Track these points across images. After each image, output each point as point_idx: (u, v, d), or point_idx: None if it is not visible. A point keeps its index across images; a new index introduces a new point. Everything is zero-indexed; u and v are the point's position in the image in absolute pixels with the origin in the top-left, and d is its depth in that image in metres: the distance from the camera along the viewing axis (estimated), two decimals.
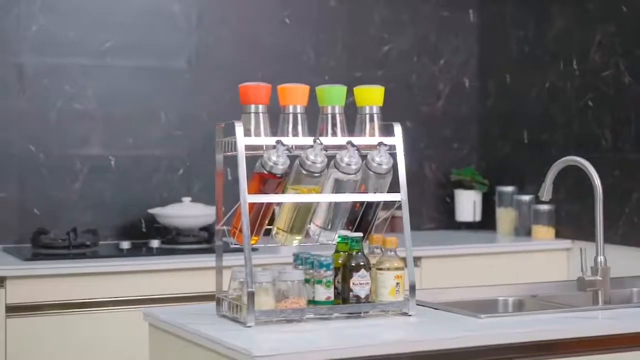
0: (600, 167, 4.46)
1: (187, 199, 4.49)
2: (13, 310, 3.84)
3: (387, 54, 5.13)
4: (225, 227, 2.76)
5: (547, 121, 4.88)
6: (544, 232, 4.79)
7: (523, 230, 4.90)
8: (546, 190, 3.10)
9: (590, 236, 3.87)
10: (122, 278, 3.99)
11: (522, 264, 4.62)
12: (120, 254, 4.20)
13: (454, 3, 5.25)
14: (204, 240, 4.36)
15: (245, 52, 4.84)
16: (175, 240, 4.34)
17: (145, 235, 4.52)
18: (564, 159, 3.09)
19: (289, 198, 2.69)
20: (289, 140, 2.68)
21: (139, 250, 4.26)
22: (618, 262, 3.43)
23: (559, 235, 4.78)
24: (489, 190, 5.13)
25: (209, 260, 3.60)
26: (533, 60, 4.96)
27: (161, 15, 4.68)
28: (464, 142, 5.29)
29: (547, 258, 4.68)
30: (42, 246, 4.21)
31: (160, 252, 4.24)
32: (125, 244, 4.28)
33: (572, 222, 4.73)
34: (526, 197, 4.90)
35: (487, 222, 5.13)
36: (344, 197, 2.73)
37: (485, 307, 3.09)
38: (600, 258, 2.95)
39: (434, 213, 5.25)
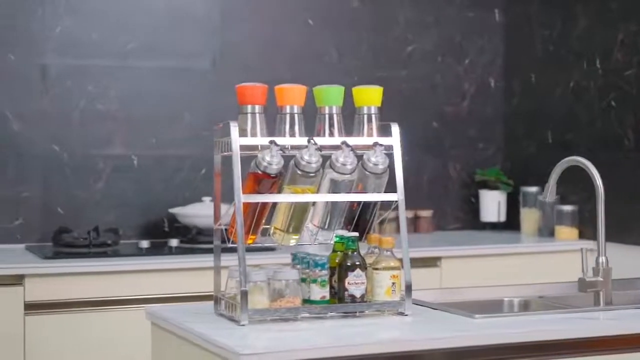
0: (622, 167, 4.46)
1: (207, 199, 4.52)
2: (31, 307, 3.90)
3: (411, 54, 5.13)
4: (222, 227, 2.78)
5: (571, 121, 4.85)
6: (567, 233, 4.76)
7: (546, 231, 4.88)
8: (549, 191, 3.08)
9: (613, 237, 3.87)
10: (140, 277, 4.03)
11: (543, 265, 4.59)
12: (139, 252, 4.24)
13: (479, 3, 5.24)
14: (223, 239, 4.37)
15: (268, 52, 4.86)
16: (194, 240, 4.37)
17: (167, 235, 4.57)
18: (566, 159, 3.08)
19: (283, 198, 2.71)
20: (284, 141, 2.70)
21: (158, 249, 4.30)
22: None
23: (582, 235, 4.76)
24: (513, 191, 5.11)
25: (227, 259, 3.62)
26: (557, 60, 4.94)
27: (184, 16, 4.72)
28: (489, 142, 5.27)
29: (570, 259, 4.62)
30: (63, 245, 4.27)
31: (179, 251, 4.27)
32: (145, 243, 4.32)
33: (595, 223, 4.68)
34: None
35: (512, 223, 5.11)
36: (339, 197, 2.74)
37: (489, 307, 3.09)
38: (602, 259, 2.94)
39: (459, 213, 5.25)
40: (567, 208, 4.75)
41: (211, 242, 4.31)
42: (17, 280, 3.89)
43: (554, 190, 3.09)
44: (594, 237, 4.56)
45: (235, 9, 4.82)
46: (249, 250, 3.28)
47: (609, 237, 4.36)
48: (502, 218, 5.13)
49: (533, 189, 4.95)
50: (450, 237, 4.94)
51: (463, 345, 2.55)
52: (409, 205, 5.00)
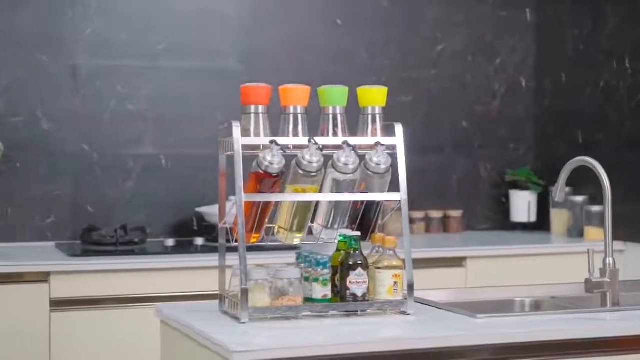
0: None
1: (234, 198, 4.55)
2: (57, 304, 3.97)
3: (441, 54, 5.13)
4: (227, 225, 2.82)
5: (601, 121, 4.82)
6: (596, 234, 4.72)
7: (576, 232, 4.86)
8: (559, 190, 3.08)
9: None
10: (164, 275, 4.08)
11: (570, 265, 4.52)
12: (165, 251, 4.29)
13: (511, 2, 5.23)
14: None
15: (297, 53, 4.90)
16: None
17: (195, 234, 4.61)
18: (575, 159, 3.07)
19: (284, 197, 2.74)
20: (285, 140, 2.72)
21: (184, 248, 4.35)
22: None
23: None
24: (544, 191, 5.09)
25: (250, 258, 3.65)
26: (588, 59, 4.91)
27: (214, 17, 4.77)
28: (520, 142, 5.26)
29: (597, 260, 4.60)
30: (91, 243, 4.34)
31: (205, 249, 4.32)
32: (170, 242, 4.38)
33: (624, 224, 4.64)
34: (579, 198, 4.85)
35: (542, 223, 5.09)
36: (340, 196, 2.76)
37: (498, 307, 3.09)
38: (609, 260, 2.93)
39: (489, 213, 5.24)
40: (596, 209, 4.72)
41: (235, 241, 4.40)
42: (43, 277, 3.96)
43: (563, 190, 3.09)
44: (623, 238, 4.56)
45: (265, 9, 4.86)
46: (256, 249, 3.33)
47: (635, 238, 4.36)
48: (533, 218, 5.11)
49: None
50: (479, 237, 4.93)
51: (461, 345, 2.56)
52: (438, 205, 5.08)
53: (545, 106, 5.23)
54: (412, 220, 5.01)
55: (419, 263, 4.36)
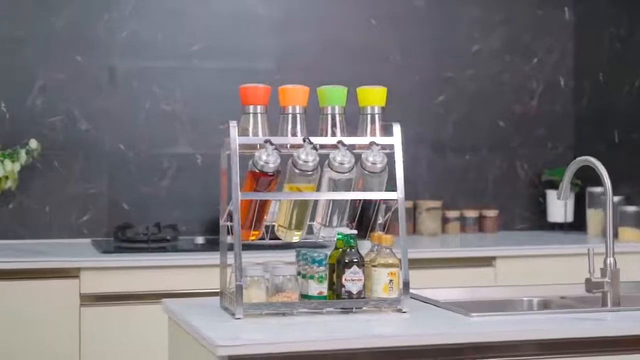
0: None
1: None
2: (87, 299, 4.06)
3: (477, 54, 5.13)
4: (228, 223, 2.87)
5: (638, 120, 4.78)
6: (630, 234, 4.69)
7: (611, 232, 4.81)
8: (563, 190, 3.08)
9: None
10: (192, 271, 4.15)
11: (600, 266, 4.52)
12: (194, 248, 4.37)
13: (548, 2, 5.21)
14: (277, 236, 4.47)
15: (331, 53, 4.94)
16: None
17: (229, 232, 4.66)
18: (578, 159, 3.07)
19: (279, 196, 2.78)
20: (280, 140, 2.77)
21: (213, 245, 4.40)
22: None
23: None
24: (581, 191, 5.06)
25: (277, 255, 3.69)
26: (625, 59, 4.87)
27: (247, 18, 4.84)
28: (557, 141, 5.24)
29: (630, 260, 4.56)
30: (124, 240, 4.43)
31: (232, 247, 4.36)
32: (201, 239, 4.45)
33: None
34: (615, 198, 4.81)
35: (580, 224, 5.06)
36: (335, 195, 2.80)
37: (504, 306, 3.11)
38: (610, 260, 2.92)
39: (526, 213, 5.22)
40: (631, 209, 4.69)
41: (262, 239, 4.44)
42: (74, 273, 4.06)
43: (567, 190, 3.09)
44: None
45: (298, 9, 4.91)
46: (261, 247, 3.37)
47: None
48: (570, 218, 5.08)
49: (599, 190, 4.90)
50: (513, 237, 4.93)
51: (450, 342, 2.58)
52: (473, 204, 5.08)
53: (583, 105, 5.19)
54: (446, 220, 5.02)
55: (447, 262, 4.43)
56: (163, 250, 4.35)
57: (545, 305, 3.17)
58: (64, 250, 4.32)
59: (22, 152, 4.41)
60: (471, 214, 5.07)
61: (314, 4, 4.94)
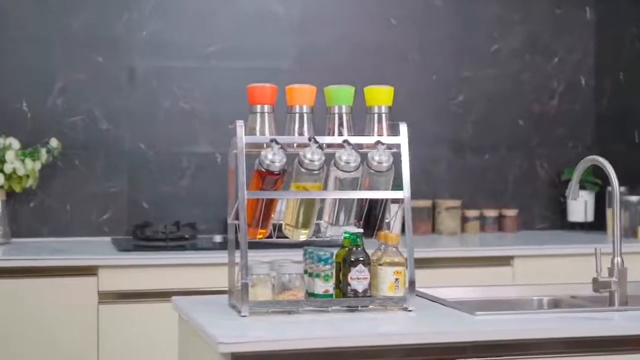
0: None
1: None
2: (105, 297, 4.11)
3: (497, 53, 5.13)
4: (236, 222, 2.89)
5: None
6: None
7: (631, 231, 4.80)
8: (572, 190, 3.08)
9: None
10: (208, 269, 4.17)
11: None
12: (212, 247, 4.39)
13: (569, 1, 5.19)
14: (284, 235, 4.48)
15: (350, 52, 4.95)
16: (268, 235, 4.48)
17: None
18: (587, 158, 3.08)
19: (285, 194, 2.81)
20: (285, 139, 2.79)
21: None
22: None
23: None
24: (601, 190, 5.04)
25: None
26: None
27: (266, 17, 4.86)
28: (578, 141, 5.22)
29: None
30: (143, 238, 4.47)
31: (250, 245, 4.36)
32: (218, 238, 4.48)
33: None
34: (634, 198, 4.80)
35: (600, 223, 5.04)
36: (339, 193, 2.81)
37: (513, 305, 3.11)
38: (617, 259, 2.92)
39: (547, 213, 5.22)
40: None
41: (281, 237, 4.47)
42: (92, 270, 4.10)
43: (576, 189, 3.09)
44: None
45: (318, 9, 4.93)
46: (269, 246, 3.39)
47: None
48: (590, 218, 5.07)
49: (619, 189, 4.86)
50: (533, 237, 4.92)
51: (452, 341, 2.59)
52: (493, 204, 5.07)
53: (603, 105, 5.18)
54: (466, 219, 5.03)
55: (465, 261, 4.43)
56: (181, 248, 4.38)
57: (555, 304, 3.17)
58: (83, 248, 4.37)
59: (43, 151, 4.46)
60: (491, 213, 5.07)
61: (333, 4, 4.96)
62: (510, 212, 5.08)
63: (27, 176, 4.41)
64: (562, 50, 5.20)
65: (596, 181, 5.06)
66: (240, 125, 2.78)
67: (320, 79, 4.82)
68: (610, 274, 2.91)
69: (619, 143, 5.04)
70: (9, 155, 4.35)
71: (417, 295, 3.01)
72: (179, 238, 4.47)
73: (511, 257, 4.49)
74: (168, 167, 4.77)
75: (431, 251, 4.43)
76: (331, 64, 4.89)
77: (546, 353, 2.64)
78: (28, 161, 4.39)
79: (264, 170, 2.77)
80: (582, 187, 5.07)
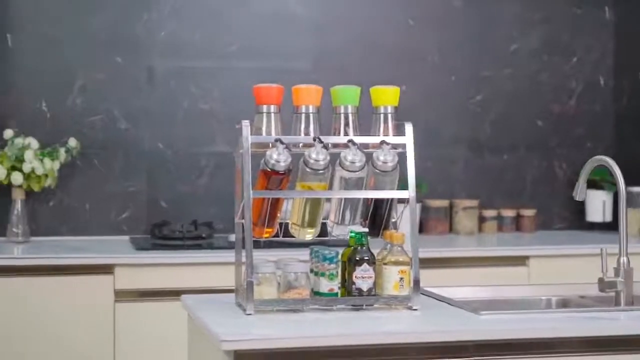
0: None
1: None
2: (121, 295, 4.15)
3: (516, 53, 5.12)
4: (242, 221, 2.92)
5: None
6: None
7: None
8: (579, 190, 3.09)
9: None
10: (223, 268, 4.18)
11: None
12: (228, 246, 4.42)
13: (588, 1, 5.18)
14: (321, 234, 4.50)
15: (368, 53, 4.96)
16: (285, 234, 4.50)
17: None
18: (594, 158, 3.09)
19: (290, 194, 2.83)
20: (291, 139, 2.82)
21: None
22: None
23: None
24: None
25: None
26: None
27: (285, 18, 4.89)
28: (597, 141, 5.21)
29: None
30: (160, 237, 4.50)
31: (266, 245, 4.38)
32: (234, 237, 4.49)
33: None
34: None
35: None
36: (344, 193, 2.83)
37: (520, 305, 3.12)
38: (623, 259, 2.92)
39: (564, 213, 5.21)
40: None
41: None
42: (108, 269, 4.14)
43: (584, 189, 3.09)
44: None
45: (336, 10, 4.95)
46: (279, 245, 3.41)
47: None
48: (608, 218, 5.05)
49: (636, 189, 4.86)
50: (550, 237, 4.92)
51: (455, 340, 2.61)
52: (511, 204, 5.07)
53: (622, 105, 5.17)
54: (483, 219, 5.03)
55: (480, 261, 4.44)
56: (198, 247, 4.41)
57: (563, 304, 3.17)
58: (101, 247, 4.41)
59: (62, 151, 4.50)
60: (508, 213, 5.07)
61: (352, 5, 4.97)
62: (528, 212, 5.08)
63: (46, 176, 4.46)
64: (581, 50, 5.19)
65: (614, 181, 5.04)
66: (246, 125, 2.81)
67: (337, 79, 4.84)
68: (617, 273, 2.91)
69: (638, 143, 5.02)
70: (28, 155, 4.40)
71: (424, 294, 3.04)
72: (196, 237, 4.50)
73: (526, 257, 4.49)
74: (186, 166, 4.80)
75: (445, 251, 4.46)
76: (348, 64, 4.91)
77: (549, 353, 2.65)
78: (47, 161, 4.44)
79: (269, 169, 2.80)
80: (600, 187, 5.06)
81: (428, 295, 3.06)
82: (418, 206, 4.89)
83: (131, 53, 4.74)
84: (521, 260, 4.49)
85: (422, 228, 4.95)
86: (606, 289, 2.90)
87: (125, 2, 4.73)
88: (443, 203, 4.97)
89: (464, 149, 5.08)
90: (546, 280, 4.26)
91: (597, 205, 5.05)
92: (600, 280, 2.92)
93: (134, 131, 4.75)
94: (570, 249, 4.54)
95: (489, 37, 5.10)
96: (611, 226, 5.05)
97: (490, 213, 5.03)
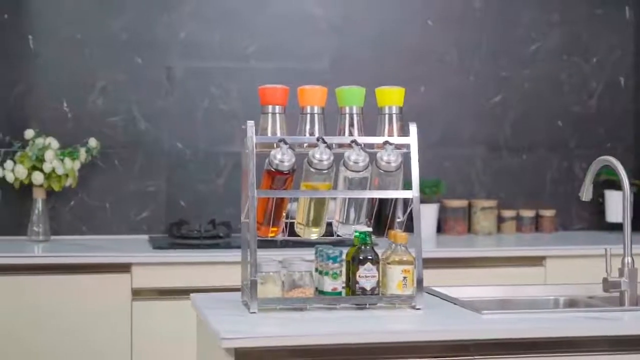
0: None
1: None
2: (138, 294, 4.20)
3: (535, 53, 5.12)
4: (248, 220, 2.95)
5: None
6: None
7: None
8: (585, 190, 3.09)
9: None
10: (239, 268, 4.22)
11: None
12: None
13: (608, 1, 5.17)
14: (329, 233, 4.53)
15: (387, 54, 4.98)
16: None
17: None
18: (599, 158, 3.10)
19: (293, 193, 2.86)
20: (295, 139, 2.85)
21: (265, 243, 4.45)
22: None
23: None
24: None
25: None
26: None
27: (303, 19, 4.91)
28: (617, 141, 5.19)
29: None
30: (178, 236, 4.54)
31: (284, 244, 4.43)
32: None
33: None
34: None
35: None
36: (348, 193, 2.86)
37: (527, 304, 3.13)
38: (627, 259, 2.93)
39: (584, 213, 5.19)
40: None
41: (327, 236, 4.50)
42: (125, 268, 4.19)
43: (590, 190, 3.09)
44: None
45: (355, 10, 4.97)
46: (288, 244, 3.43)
47: None
48: None
49: None
50: (569, 237, 4.91)
51: (455, 339, 2.63)
52: (530, 204, 5.07)
53: None
54: (502, 219, 5.03)
55: (496, 261, 4.44)
56: (215, 247, 4.45)
57: (571, 304, 3.18)
58: (119, 246, 4.46)
59: (82, 151, 4.56)
60: (527, 213, 5.06)
61: (371, 5, 4.99)
62: (548, 213, 5.07)
63: (66, 175, 4.51)
64: (601, 50, 5.17)
65: (635, 182, 5.03)
66: (250, 125, 2.84)
67: (355, 80, 4.86)
68: (621, 274, 2.91)
69: None
70: (48, 155, 4.45)
71: (431, 293, 3.06)
72: (214, 236, 4.53)
73: (543, 258, 4.49)
74: (205, 166, 4.84)
75: (461, 251, 4.48)
76: (366, 65, 4.92)
77: (550, 352, 2.66)
78: (67, 160, 4.50)
79: (273, 169, 2.82)
80: (619, 188, 5.03)
81: (434, 295, 3.08)
82: (436, 206, 4.91)
83: (151, 54, 4.78)
84: (538, 261, 4.49)
85: (441, 228, 4.96)
86: (610, 289, 2.90)
87: (145, 4, 4.77)
88: (462, 203, 4.97)
89: (483, 149, 5.09)
90: (562, 281, 4.25)
91: (617, 206, 5.03)
92: (605, 281, 2.93)
93: (153, 131, 4.80)
94: (587, 250, 4.52)
95: (508, 37, 5.09)
96: (632, 227, 5.01)
97: (509, 213, 5.03)
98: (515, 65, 5.10)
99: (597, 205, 5.17)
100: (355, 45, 4.96)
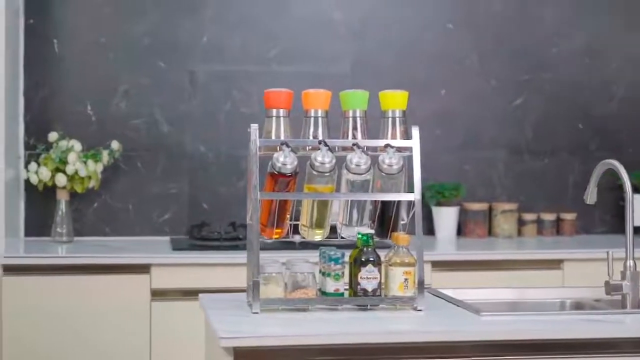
0: None
1: None
2: (157, 294, 4.26)
3: (556, 56, 5.12)
4: (251, 222, 2.99)
5: None
6: None
7: None
8: (590, 193, 3.11)
9: None
10: None
11: None
12: (263, 247, 4.46)
13: (630, 2, 5.16)
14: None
15: (407, 57, 5.00)
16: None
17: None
18: (603, 162, 3.11)
19: (296, 196, 2.90)
20: (298, 142, 2.89)
21: (283, 244, 4.49)
22: None
23: None
24: None
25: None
26: None
27: (324, 22, 4.96)
28: (639, 145, 5.18)
29: None
30: (199, 238, 4.60)
31: (302, 246, 4.47)
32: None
33: None
34: None
35: None
36: (349, 195, 2.89)
37: (532, 307, 3.15)
38: (630, 262, 2.94)
39: (607, 217, 5.19)
40: None
41: (331, 238, 4.55)
42: (145, 269, 4.26)
43: (594, 193, 3.11)
44: None
45: (375, 14, 5.00)
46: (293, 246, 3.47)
47: None
48: None
49: None
50: (589, 241, 4.91)
51: (454, 340, 2.66)
52: (551, 207, 5.07)
53: None
54: (523, 222, 5.04)
55: (514, 264, 4.46)
56: (235, 248, 4.49)
57: (576, 307, 3.19)
58: (141, 247, 4.52)
59: (105, 153, 4.63)
60: (548, 217, 5.07)
61: (391, 9, 5.02)
62: (569, 216, 5.07)
63: (89, 177, 4.59)
64: (622, 54, 5.17)
65: None
66: (254, 128, 2.89)
67: (375, 84, 4.90)
68: (623, 277, 2.92)
69: None
70: (71, 157, 4.53)
71: (436, 295, 3.09)
72: (234, 238, 4.58)
73: (561, 261, 4.50)
74: (227, 169, 4.90)
75: (478, 254, 4.50)
76: (387, 69, 4.96)
77: (549, 354, 2.67)
78: (90, 163, 4.57)
79: (276, 172, 2.87)
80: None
81: (438, 296, 3.10)
82: (456, 209, 4.93)
83: (174, 58, 4.85)
84: (556, 264, 4.50)
85: (461, 231, 4.98)
86: (612, 292, 2.91)
87: (168, 8, 4.84)
88: (482, 206, 4.99)
89: (504, 152, 5.10)
90: (580, 284, 4.26)
91: (638, 210, 5.01)
92: (606, 284, 2.94)
93: (176, 134, 4.86)
94: (604, 253, 4.50)
95: (529, 40, 5.10)
96: None
97: (530, 216, 5.04)
98: (536, 69, 5.10)
99: (619, 209, 5.16)
100: (375, 49, 5.00)
